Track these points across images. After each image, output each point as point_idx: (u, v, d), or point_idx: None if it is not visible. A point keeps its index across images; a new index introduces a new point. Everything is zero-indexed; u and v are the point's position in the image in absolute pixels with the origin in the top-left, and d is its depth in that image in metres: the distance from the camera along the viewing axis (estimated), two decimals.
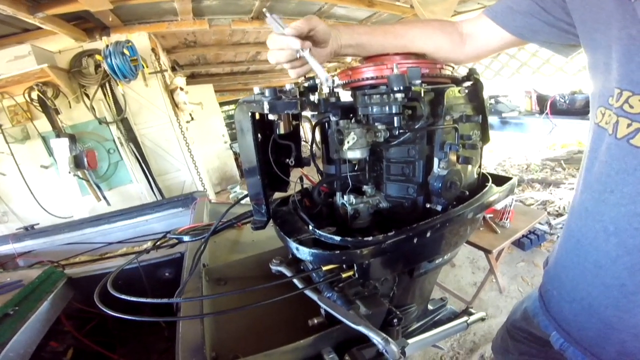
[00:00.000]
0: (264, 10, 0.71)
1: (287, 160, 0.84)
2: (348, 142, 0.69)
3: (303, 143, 0.92)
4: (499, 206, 2.30)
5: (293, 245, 0.71)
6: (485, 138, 0.84)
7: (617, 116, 0.55)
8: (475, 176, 0.88)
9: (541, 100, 2.71)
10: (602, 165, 0.59)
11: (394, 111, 0.68)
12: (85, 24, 2.89)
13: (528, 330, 0.93)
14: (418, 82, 0.65)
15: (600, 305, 0.64)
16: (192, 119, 4.20)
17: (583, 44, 0.65)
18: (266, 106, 0.66)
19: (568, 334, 0.74)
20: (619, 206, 0.57)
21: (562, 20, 0.67)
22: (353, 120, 0.76)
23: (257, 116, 0.77)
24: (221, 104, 7.24)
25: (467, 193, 0.78)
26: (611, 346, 0.64)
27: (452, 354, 2.06)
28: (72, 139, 2.94)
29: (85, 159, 2.84)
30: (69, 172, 2.83)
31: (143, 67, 2.97)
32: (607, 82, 0.58)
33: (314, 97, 0.80)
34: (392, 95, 0.66)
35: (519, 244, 2.80)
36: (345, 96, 0.84)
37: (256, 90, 0.73)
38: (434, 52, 0.83)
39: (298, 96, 0.75)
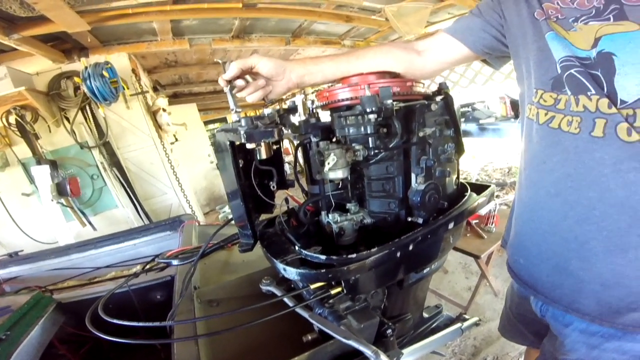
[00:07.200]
0: (218, 59, 0.85)
1: (270, 183, 0.86)
2: (329, 163, 0.71)
3: (287, 163, 0.95)
4: (483, 212, 2.34)
5: (280, 266, 0.73)
6: (460, 150, 0.87)
7: (537, 109, 0.72)
8: (454, 187, 0.91)
9: (514, 105, 2.79)
10: (535, 145, 0.75)
11: (368, 132, 0.71)
12: (63, 44, 2.85)
13: (531, 311, 0.96)
14: (389, 101, 0.68)
15: (565, 259, 0.73)
16: (177, 140, 4.17)
17: (512, 57, 0.83)
18: (243, 136, 0.68)
19: (545, 296, 0.80)
20: (553, 172, 0.70)
21: (504, 36, 0.83)
22: (333, 141, 0.79)
23: (237, 142, 0.79)
24: (206, 123, 7.21)
25: (446, 204, 0.82)
26: (586, 298, 0.71)
27: (455, 359, 2.06)
28: (54, 165, 2.87)
29: (67, 187, 2.77)
30: (52, 200, 2.77)
31: (124, 89, 2.94)
32: (530, 84, 0.75)
33: (294, 119, 0.83)
34: (365, 116, 0.69)
35: None
36: (326, 116, 0.87)
37: (234, 117, 0.75)
38: (394, 65, 0.90)
39: (277, 120, 0.77)
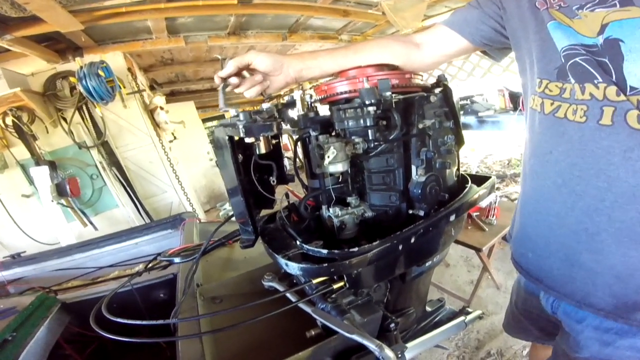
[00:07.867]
0: (216, 55, 0.84)
1: (270, 178, 0.86)
2: (328, 157, 0.71)
3: (287, 158, 0.94)
4: (484, 204, 2.32)
5: (282, 261, 0.72)
6: (459, 141, 0.87)
7: (542, 99, 0.71)
8: (455, 179, 0.91)
9: (513, 97, 2.78)
10: (539, 135, 0.74)
11: (367, 124, 0.70)
12: (57, 44, 2.81)
13: (538, 306, 0.94)
14: (388, 93, 0.68)
15: (575, 251, 0.71)
16: (175, 138, 4.15)
17: (513, 49, 0.82)
18: (241, 130, 0.67)
19: (557, 291, 0.78)
20: (559, 162, 0.69)
21: (503, 27, 0.82)
22: (332, 135, 0.79)
23: (237, 137, 0.78)
24: (204, 121, 7.19)
25: (447, 196, 0.81)
26: (600, 291, 0.69)
27: (459, 353, 2.06)
28: (53, 165, 2.85)
29: (67, 187, 2.76)
30: (52, 201, 2.76)
31: (120, 88, 2.91)
32: (533, 75, 0.73)
33: (293, 113, 0.82)
34: (364, 108, 0.68)
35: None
36: (325, 110, 0.86)
37: (232, 112, 0.75)
38: (392, 59, 0.89)
39: (276, 115, 0.77)
